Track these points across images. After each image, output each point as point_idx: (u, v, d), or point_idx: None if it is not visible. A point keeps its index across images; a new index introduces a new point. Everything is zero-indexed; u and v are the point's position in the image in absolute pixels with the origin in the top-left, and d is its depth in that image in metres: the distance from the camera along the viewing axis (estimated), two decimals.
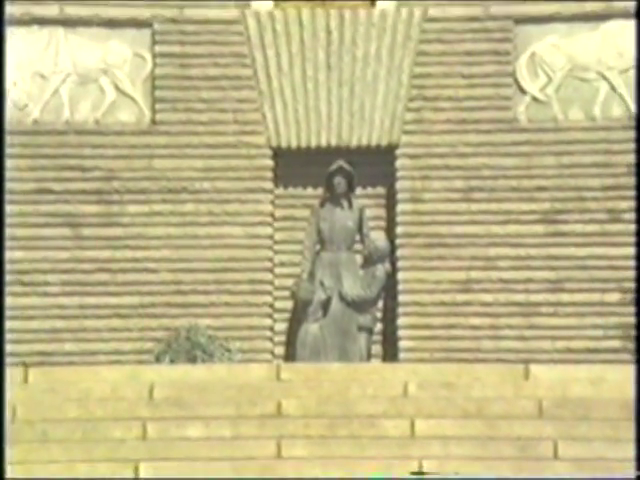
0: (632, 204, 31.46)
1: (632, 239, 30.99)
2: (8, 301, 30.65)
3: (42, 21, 33.63)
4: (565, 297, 30.67)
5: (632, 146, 32.14)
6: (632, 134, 32.33)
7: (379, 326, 30.39)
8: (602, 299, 30.14)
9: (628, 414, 18.82)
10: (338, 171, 30.10)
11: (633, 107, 32.67)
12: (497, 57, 33.22)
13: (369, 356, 29.15)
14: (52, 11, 33.69)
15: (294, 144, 32.53)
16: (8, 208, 31.92)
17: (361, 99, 32.97)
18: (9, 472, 17.75)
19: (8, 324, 29.68)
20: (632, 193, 31.60)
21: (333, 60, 33.11)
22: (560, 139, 32.55)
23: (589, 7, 33.53)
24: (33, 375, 20.31)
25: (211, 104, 32.97)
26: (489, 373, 20.62)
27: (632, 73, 32.75)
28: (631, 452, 18.23)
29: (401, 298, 31.24)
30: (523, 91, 33.15)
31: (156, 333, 29.87)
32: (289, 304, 30.49)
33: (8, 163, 32.37)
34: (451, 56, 33.25)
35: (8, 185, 32.16)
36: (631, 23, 33.04)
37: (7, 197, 31.94)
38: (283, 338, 30.87)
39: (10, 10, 34.10)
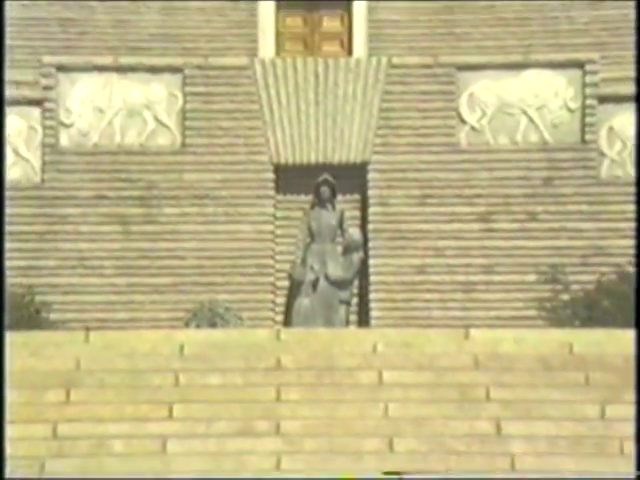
0: (546, 208, 31.53)
1: (546, 234, 31.04)
2: (74, 280, 30.61)
3: (100, 68, 33.51)
4: (495, 278, 30.82)
5: (545, 164, 32.13)
6: (545, 155, 32.31)
7: (355, 300, 30.35)
8: (522, 279, 30.30)
9: (542, 365, 18.64)
10: (324, 182, 30.06)
11: (546, 135, 32.60)
12: (444, 96, 33.15)
13: (347, 323, 29.14)
14: (107, 60, 33.65)
15: (290, 161, 32.49)
16: (74, 210, 31.85)
17: (341, 127, 32.86)
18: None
19: (73, 297, 29.63)
20: (547, 200, 31.57)
21: (320, 97, 33.01)
22: (491, 158, 32.61)
23: (512, 59, 33.75)
24: (93, 336, 20.06)
25: (227, 131, 32.90)
26: (438, 335, 20.44)
27: (545, 110, 32.75)
28: (545, 395, 17.96)
29: (372, 279, 31.30)
30: (464, 122, 33.01)
31: (185, 305, 29.79)
32: (286, 283, 30.51)
33: (74, 177, 32.18)
34: (409, 94, 33.22)
35: (74, 193, 32.03)
36: (544, 71, 33.02)
37: (73, 202, 31.80)
38: (282, 309, 30.61)
39: (76, 60, 33.94)
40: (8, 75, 33.89)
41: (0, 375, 13.41)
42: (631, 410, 17.77)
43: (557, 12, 36.54)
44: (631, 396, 18.12)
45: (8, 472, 16.02)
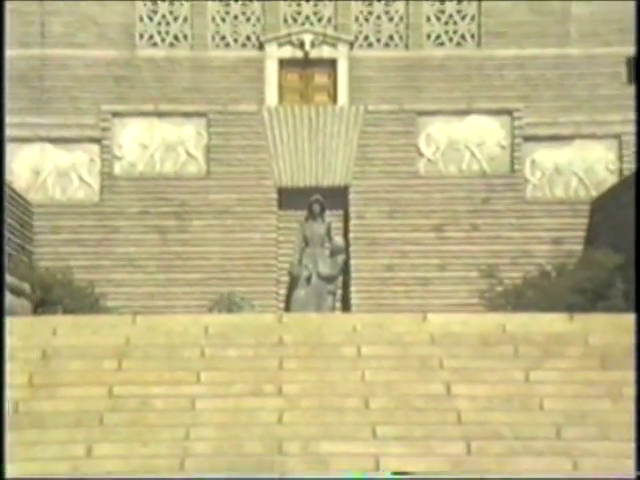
0: (485, 221, 31.59)
1: (485, 241, 31.10)
2: (124, 276, 30.55)
3: (145, 114, 33.72)
4: (446, 274, 30.97)
5: (484, 188, 32.24)
6: (484, 181, 32.45)
7: (340, 291, 30.01)
8: (467, 275, 30.43)
9: (482, 341, 18.45)
10: (315, 201, 29.93)
11: (485, 165, 32.71)
12: (407, 134, 33.27)
13: (334, 309, 29.07)
14: (150, 108, 33.75)
15: (289, 185, 32.77)
16: (124, 223, 31.87)
17: (328, 159, 33.07)
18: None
19: (124, 289, 29.56)
20: (485, 215, 31.61)
21: (312, 136, 33.11)
22: (443, 183, 32.84)
23: (459, 107, 34.03)
24: (139, 319, 19.90)
25: (242, 161, 33.03)
26: (403, 318, 20.30)
27: (483, 146, 32.96)
28: (484, 364, 17.84)
29: (352, 275, 31.53)
30: (422, 155, 33.24)
31: (209, 295, 29.88)
32: (286, 278, 30.28)
33: (124, 198, 32.15)
34: (381, 134, 33.49)
35: (124, 209, 32.03)
36: (483, 117, 33.15)
37: (123, 216, 31.79)
38: (283, 298, 30.49)
39: (126, 108, 33.97)
40: (75, 119, 33.98)
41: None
42: (550, 375, 17.71)
43: (492, 71, 36.73)
44: (549, 364, 18.06)
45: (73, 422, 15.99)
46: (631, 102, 35.32)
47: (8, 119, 34.38)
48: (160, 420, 16.20)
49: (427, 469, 14.75)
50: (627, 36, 36.42)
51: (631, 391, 16.97)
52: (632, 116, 33.63)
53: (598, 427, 15.98)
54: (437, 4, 37.63)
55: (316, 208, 30.51)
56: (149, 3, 37.67)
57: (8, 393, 17.06)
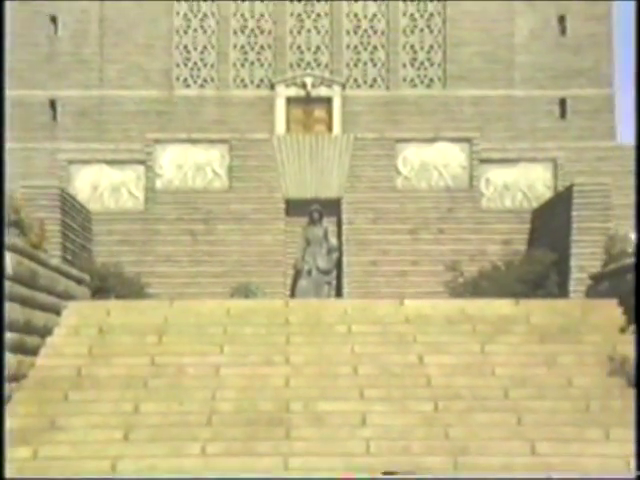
0: (449, 226, 31.51)
1: (449, 242, 31.00)
2: (164, 269, 30.51)
3: (180, 141, 33.68)
4: (419, 268, 30.97)
5: (449, 200, 32.19)
6: (448, 194, 32.46)
7: (334, 282, 29.99)
8: (435, 269, 30.39)
9: (447, 321, 18.45)
10: (315, 210, 29.97)
11: (449, 182, 32.71)
12: (387, 157, 33.35)
13: (330, 296, 28.90)
14: (184, 136, 33.79)
15: (294, 197, 32.69)
16: (163, 227, 31.81)
17: (326, 176, 33.19)
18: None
19: (163, 280, 29.65)
20: (449, 221, 31.62)
21: (312, 158, 33.16)
22: (416, 195, 32.86)
23: (428, 136, 33.88)
24: (175, 303, 19.95)
25: (256, 178, 33.17)
26: (384, 303, 20.32)
27: (448, 167, 33.03)
28: (449, 339, 17.93)
29: (344, 269, 31.35)
30: (399, 173, 33.28)
31: (230, 285, 29.64)
32: (292, 271, 30.24)
33: (163, 207, 32.16)
34: (367, 157, 33.51)
35: (163, 216, 32.00)
36: (447, 143, 33.26)
37: (162, 222, 31.74)
38: (289, 287, 30.45)
39: (165, 136, 33.98)
40: (125, 145, 33.99)
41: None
42: (500, 348, 17.69)
43: (454, 107, 36.77)
44: (500, 339, 18.05)
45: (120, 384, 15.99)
46: (563, 133, 35.69)
47: (73, 146, 34.63)
48: (192, 384, 16.25)
49: (403, 423, 14.83)
50: (559, 81, 36.72)
51: (563, 360, 17.10)
52: (563, 144, 34.04)
53: (537, 389, 16.08)
54: (411, 53, 37.64)
55: (315, 215, 30.55)
56: (184, 52, 37.67)
57: (70, 362, 17.19)
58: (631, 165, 31.75)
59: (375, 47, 37.76)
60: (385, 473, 11.44)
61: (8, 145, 34.87)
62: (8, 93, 36.51)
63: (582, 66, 36.82)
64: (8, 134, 35.95)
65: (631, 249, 20.36)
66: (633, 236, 20.55)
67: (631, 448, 13.72)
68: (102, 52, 36.95)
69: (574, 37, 36.97)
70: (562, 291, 26.24)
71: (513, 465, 13.41)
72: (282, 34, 37.72)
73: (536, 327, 18.53)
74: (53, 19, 37.01)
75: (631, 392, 15.93)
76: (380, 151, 33.69)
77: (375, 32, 37.86)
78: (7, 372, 15.49)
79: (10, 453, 13.44)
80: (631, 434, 14.18)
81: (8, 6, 37.20)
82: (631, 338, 17.80)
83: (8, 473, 12.83)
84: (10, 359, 15.71)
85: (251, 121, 36.39)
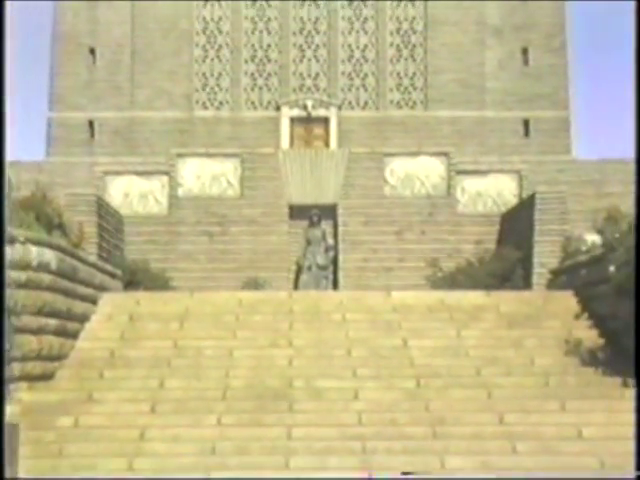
0: (430, 228, 31.56)
1: (430, 242, 30.98)
2: (185, 265, 30.47)
3: (199, 155, 33.94)
4: (404, 264, 31.01)
5: (429, 205, 32.19)
6: (429, 201, 32.50)
7: (331, 276, 30.15)
8: (418, 265, 30.25)
9: (428, 310, 18.44)
10: (314, 213, 30.24)
11: (430, 190, 32.81)
12: (377, 169, 33.57)
13: (327, 288, 28.98)
14: (202, 151, 33.89)
15: (297, 203, 32.70)
16: (184, 229, 31.82)
17: (324, 185, 33.25)
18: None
19: (185, 274, 29.61)
20: (430, 224, 31.66)
21: (312, 169, 33.21)
22: (402, 202, 33.03)
23: (412, 150, 34.03)
24: (195, 295, 19.96)
25: (265, 186, 33.27)
26: (374, 295, 20.34)
27: (429, 177, 33.09)
28: (429, 325, 17.96)
29: (340, 265, 31.24)
30: (387, 182, 33.37)
31: (242, 279, 29.50)
32: (295, 267, 30.38)
33: (184, 212, 32.14)
34: (359, 169, 33.72)
35: (184, 220, 31.97)
36: (428, 157, 33.35)
37: (183, 225, 31.73)
38: (292, 281, 30.47)
39: (186, 151, 34.03)
40: (152, 159, 34.00)
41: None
42: (473, 332, 17.70)
43: (434, 126, 36.75)
44: (473, 325, 18.06)
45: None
46: (526, 149, 35.78)
47: (108, 159, 34.63)
48: (209, 364, 16.27)
49: (390, 398, 14.83)
50: (523, 105, 36.74)
51: (527, 342, 17.15)
52: (527, 158, 34.13)
53: (505, 367, 16.12)
54: (397, 79, 37.65)
55: (315, 219, 30.68)
56: (202, 79, 37.65)
57: (105, 344, 17.20)
58: (584, 176, 31.85)
59: (366, 74, 37.75)
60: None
61: (53, 159, 35.16)
62: (53, 115, 36.69)
63: (542, 91, 36.85)
64: (53, 150, 36.15)
65: (585, 248, 20.40)
66: (587, 237, 20.59)
67: (583, 418, 13.79)
68: (133, 79, 36.94)
69: (535, 67, 37.02)
70: (526, 284, 26.24)
71: (483, 433, 13.45)
72: (286, 63, 37.73)
73: (504, 315, 18.57)
74: (92, 51, 37.06)
75: (584, 370, 15.98)
76: (370, 164, 33.73)
77: (366, 61, 37.85)
78: (51, 352, 15.49)
79: (54, 422, 13.50)
80: (584, 405, 14.25)
81: (51, 39, 37.30)
82: (584, 324, 17.88)
83: (53, 437, 12.83)
84: (54, 342, 15.73)
85: (260, 138, 36.36)
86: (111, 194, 32.28)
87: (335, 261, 30.59)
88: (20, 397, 14.33)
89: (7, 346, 12.63)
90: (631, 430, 13.12)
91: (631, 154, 30.35)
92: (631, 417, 13.75)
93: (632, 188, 26.07)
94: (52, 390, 14.94)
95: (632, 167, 30.67)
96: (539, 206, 28.14)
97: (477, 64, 37.13)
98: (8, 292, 13.78)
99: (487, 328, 18.02)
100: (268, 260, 31.12)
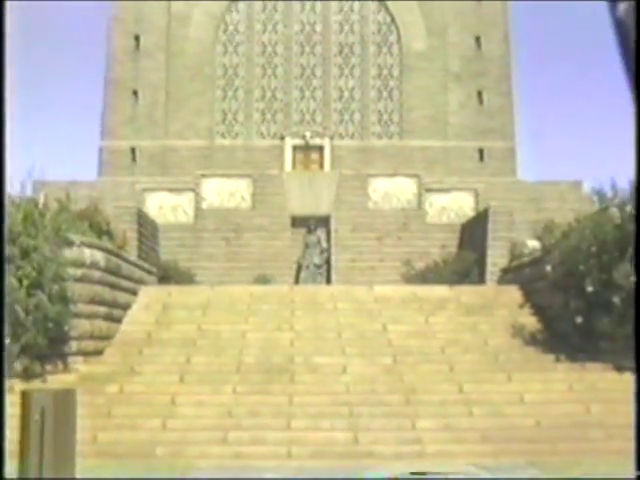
0: (404, 234, 31.51)
1: (405, 246, 30.92)
2: (206, 264, 30.42)
3: (219, 175, 33.74)
4: (384, 264, 30.83)
5: (403, 216, 32.26)
6: (403, 212, 32.54)
7: (325, 274, 30.06)
8: (395, 265, 30.13)
9: (403, 301, 18.51)
10: (312, 223, 30.38)
11: (405, 204, 32.80)
12: (362, 187, 33.49)
13: (321, 283, 28.87)
14: (221, 172, 33.80)
15: (297, 214, 32.62)
16: (207, 235, 31.84)
17: (319, 200, 33.18)
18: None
19: (206, 272, 29.45)
20: (404, 231, 31.56)
21: (311, 187, 33.12)
22: (381, 214, 32.88)
23: (390, 172, 33.92)
24: (215, 288, 19.94)
25: (271, 201, 33.13)
26: (360, 288, 20.35)
27: (404, 194, 33.06)
28: (403, 313, 17.91)
29: (332, 264, 30.99)
30: (370, 198, 33.32)
31: (253, 276, 29.30)
32: (295, 266, 30.21)
33: (207, 221, 32.02)
34: (347, 187, 33.68)
35: (206, 227, 31.88)
36: (403, 178, 33.34)
37: (206, 231, 31.56)
38: (293, 277, 30.45)
39: (208, 172, 33.94)
40: (181, 179, 33.93)
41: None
42: (439, 319, 17.68)
43: (408, 153, 36.81)
44: (439, 313, 18.04)
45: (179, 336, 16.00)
46: (481, 172, 35.83)
47: (146, 179, 34.66)
48: (226, 344, 16.29)
49: (371, 372, 14.86)
50: (479, 136, 36.91)
51: (482, 327, 17.11)
52: (482, 179, 34.22)
53: (464, 347, 16.15)
54: (378, 115, 37.72)
55: (312, 227, 30.72)
56: (222, 115, 37.71)
57: (143, 327, 17.20)
58: (526, 194, 31.91)
59: (353, 111, 37.85)
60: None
61: (103, 179, 35.18)
62: (104, 144, 36.70)
63: (493, 126, 36.99)
64: (103, 172, 36.13)
65: (527, 251, 20.47)
66: (529, 243, 20.66)
67: (524, 387, 13.83)
68: (166, 114, 37.01)
69: (488, 106, 37.17)
70: (481, 280, 26.32)
71: (446, 400, 13.46)
72: (289, 101, 37.82)
73: (463, 304, 18.61)
74: (135, 92, 37.15)
75: (526, 348, 16.03)
76: (357, 183, 33.80)
77: (353, 100, 37.95)
78: (101, 333, 15.50)
79: (104, 389, 13.52)
80: (525, 377, 14.29)
81: (103, 83, 37.36)
82: (527, 312, 17.93)
83: (103, 401, 12.81)
84: (103, 325, 15.76)
85: (268, 162, 36.44)
86: (148, 207, 32.29)
87: (328, 261, 30.60)
88: (77, 368, 14.38)
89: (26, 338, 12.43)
90: (562, 396, 13.18)
91: (564, 176, 30.39)
92: (562, 386, 13.84)
93: (564, 204, 26.32)
94: (102, 363, 14.98)
95: (564, 187, 31.17)
96: (491, 218, 28.25)
97: (442, 103, 37.27)
98: (67, 285, 13.87)
99: (450, 315, 18.06)
100: (274, 260, 31.13)
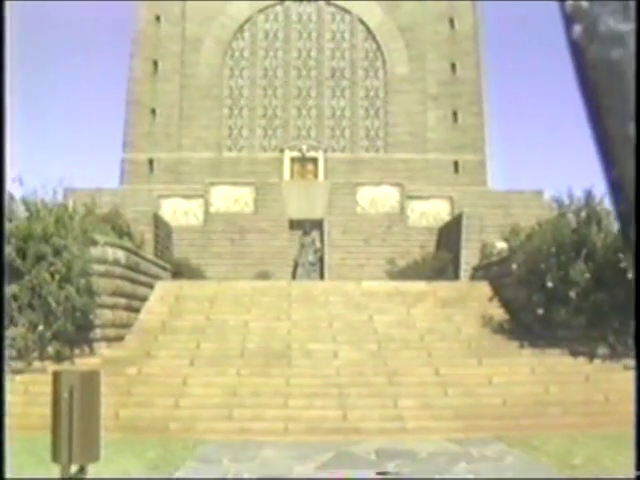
0: (388, 237, 31.28)
1: (389, 246, 30.75)
2: (215, 262, 30.23)
3: (225, 183, 33.60)
4: (370, 262, 30.44)
5: (388, 220, 32.11)
6: (388, 217, 32.43)
7: (319, 270, 29.86)
8: (380, 263, 29.97)
9: (387, 294, 18.53)
10: (307, 225, 30.05)
11: (388, 209, 32.73)
12: (351, 194, 33.44)
13: (315, 279, 28.65)
14: (228, 180, 33.72)
15: (295, 218, 32.36)
16: (214, 236, 31.61)
17: (314, 206, 33.06)
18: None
19: (215, 268, 29.15)
20: (388, 234, 31.43)
21: (307, 194, 32.95)
22: (369, 218, 32.70)
23: (376, 181, 33.80)
24: (221, 283, 19.93)
25: (272, 206, 32.93)
26: (349, 283, 20.37)
27: (389, 201, 32.98)
28: (387, 305, 17.88)
29: (325, 262, 30.64)
30: (358, 204, 33.24)
31: (255, 272, 29.08)
32: (292, 264, 30.05)
33: (215, 224, 31.89)
34: (339, 194, 33.52)
35: (214, 229, 31.74)
36: (388, 187, 33.27)
37: (214, 233, 31.42)
38: (291, 274, 30.26)
39: (216, 180, 33.79)
40: (192, 186, 33.78)
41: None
42: (418, 310, 17.72)
43: (392, 165, 36.78)
44: (419, 305, 18.09)
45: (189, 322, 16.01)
46: (456, 182, 35.86)
47: (162, 187, 34.55)
48: (231, 332, 16.33)
49: (359, 357, 14.88)
50: (454, 151, 36.88)
51: (456, 318, 17.15)
52: (456, 188, 34.14)
53: (440, 335, 16.22)
54: (366, 131, 37.72)
55: (307, 229, 30.54)
56: (228, 130, 37.61)
57: (158, 317, 17.19)
58: (495, 201, 31.82)
59: (344, 127, 37.84)
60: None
61: (124, 187, 35.06)
62: (125, 156, 36.58)
63: (467, 142, 37.03)
64: (124, 180, 36.00)
65: (495, 251, 20.56)
66: (497, 244, 20.75)
67: (493, 370, 13.92)
68: (180, 130, 36.93)
69: (462, 124, 37.22)
70: (456, 276, 26.35)
71: (425, 382, 13.55)
72: (288, 118, 37.79)
73: (440, 298, 18.72)
74: (152, 111, 37.04)
75: (495, 337, 16.12)
76: (347, 190, 33.75)
77: (344, 118, 37.95)
78: (122, 322, 15.51)
79: (124, 371, 13.56)
80: (494, 361, 14.37)
81: (125, 103, 37.27)
82: (495, 304, 18.02)
83: (123, 381, 12.82)
84: (123, 314, 15.78)
85: (269, 172, 36.38)
86: (163, 211, 32.12)
87: (321, 259, 30.52)
88: (101, 352, 14.41)
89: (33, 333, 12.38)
90: (525, 378, 13.25)
91: (528, 186, 30.45)
92: (526, 369, 13.91)
93: (527, 210, 26.38)
94: (122, 348, 15.01)
95: (528, 195, 31.24)
96: (465, 222, 28.30)
97: (422, 121, 37.32)
98: (93, 279, 13.92)
99: (428, 307, 18.15)
100: (273, 258, 31.02)
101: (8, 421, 5.82)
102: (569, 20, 0.77)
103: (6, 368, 11.48)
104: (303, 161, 37.01)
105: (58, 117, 67.93)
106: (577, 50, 0.78)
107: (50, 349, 13.09)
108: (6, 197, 12.37)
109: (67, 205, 14.95)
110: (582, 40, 0.78)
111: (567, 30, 0.80)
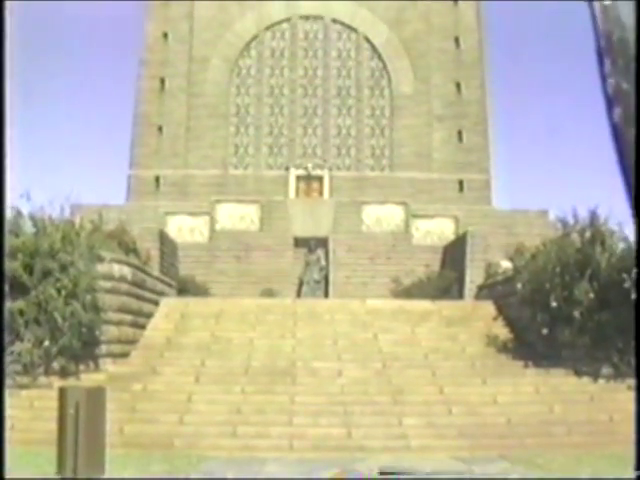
0: (393, 255, 31.40)
1: (394, 264, 30.70)
2: (220, 279, 30.17)
3: (231, 201, 33.78)
4: (375, 280, 30.37)
5: (392, 239, 32.11)
6: (392, 235, 32.39)
7: (324, 288, 29.86)
8: (385, 281, 29.84)
9: (392, 313, 18.42)
10: (312, 243, 30.06)
11: (393, 228, 32.78)
12: (356, 213, 33.54)
13: (320, 297, 28.63)
14: (233, 198, 33.89)
15: (300, 235, 32.42)
16: (219, 253, 31.65)
17: (319, 223, 33.15)
18: None
19: (219, 285, 29.07)
20: (393, 252, 31.47)
21: (313, 211, 33.13)
22: (374, 236, 32.73)
23: (380, 200, 33.80)
24: (227, 300, 19.96)
25: (277, 224, 33.07)
26: (354, 302, 20.33)
27: (393, 219, 32.96)
28: (392, 324, 17.87)
29: (330, 280, 30.61)
30: (363, 222, 33.43)
31: (260, 290, 29.08)
32: (297, 281, 30.08)
33: (219, 241, 31.95)
34: (344, 212, 33.56)
35: (219, 246, 31.80)
36: (393, 206, 33.34)
37: (219, 250, 31.48)
38: (296, 292, 30.27)
39: (222, 197, 33.93)
40: (198, 204, 33.88)
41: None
42: (423, 329, 17.69)
43: (397, 183, 36.84)
44: (423, 324, 18.05)
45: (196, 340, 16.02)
46: (461, 201, 35.84)
47: (168, 203, 34.72)
48: (236, 349, 16.30)
49: (363, 375, 14.82)
50: (459, 170, 36.93)
51: (460, 337, 17.14)
52: (461, 207, 34.21)
53: (445, 354, 16.17)
54: (372, 150, 37.91)
55: (312, 247, 30.57)
56: (234, 148, 37.87)
57: (164, 334, 17.21)
58: (500, 221, 31.82)
59: (350, 146, 38.06)
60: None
61: (131, 203, 35.25)
62: (132, 172, 36.86)
63: (471, 161, 37.17)
64: (131, 197, 36.18)
65: (500, 271, 20.58)
66: (502, 263, 20.78)
67: (497, 389, 13.89)
68: (186, 148, 37.21)
69: (467, 144, 37.40)
70: (460, 295, 26.31)
71: (429, 400, 13.53)
72: (294, 137, 38.03)
73: (445, 317, 18.69)
74: (159, 128, 37.36)
75: (499, 356, 16.11)
76: (352, 209, 33.89)
77: (350, 136, 38.09)
78: (127, 338, 15.56)
79: (129, 387, 13.59)
80: (498, 380, 14.35)
81: (132, 120, 37.64)
82: (500, 324, 18.01)
83: (128, 398, 12.81)
84: (129, 331, 15.85)
85: (274, 190, 36.51)
86: (169, 228, 32.29)
87: (326, 277, 30.48)
88: (106, 368, 14.46)
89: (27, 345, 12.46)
90: (530, 397, 13.23)
91: (533, 205, 30.52)
92: (530, 388, 13.88)
93: (532, 230, 26.43)
94: (128, 364, 15.06)
95: (532, 215, 31.26)
96: (469, 241, 28.33)
97: (427, 141, 37.51)
98: (99, 295, 14.01)
99: (433, 326, 18.12)
100: (278, 276, 30.97)
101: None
102: (610, 102, 0.78)
103: (11, 382, 11.70)
104: (309, 179, 37.18)
105: (66, 133, 68.53)
106: (617, 133, 0.80)
107: (56, 364, 13.17)
108: (6, 211, 12.37)
109: (74, 221, 15.09)
110: (621, 122, 0.80)
111: (608, 112, 0.81)
